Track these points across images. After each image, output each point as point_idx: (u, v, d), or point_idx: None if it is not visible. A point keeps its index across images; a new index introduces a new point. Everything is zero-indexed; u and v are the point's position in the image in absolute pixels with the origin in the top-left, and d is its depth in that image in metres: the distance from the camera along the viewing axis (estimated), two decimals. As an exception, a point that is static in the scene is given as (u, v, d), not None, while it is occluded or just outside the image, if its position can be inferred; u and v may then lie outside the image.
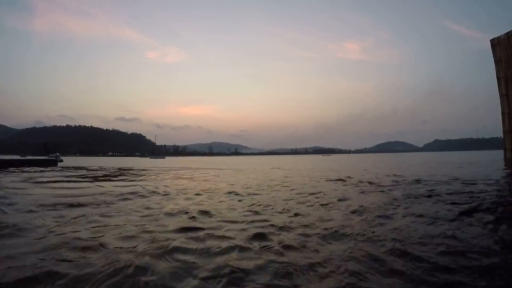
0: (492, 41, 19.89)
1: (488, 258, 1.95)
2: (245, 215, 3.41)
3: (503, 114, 19.51)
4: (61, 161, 24.50)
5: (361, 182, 7.18)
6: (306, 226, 2.87)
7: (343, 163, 23.40)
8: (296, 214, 3.40)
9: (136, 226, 2.88)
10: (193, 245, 2.27)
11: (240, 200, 4.58)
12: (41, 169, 14.66)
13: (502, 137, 20.13)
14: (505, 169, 11.42)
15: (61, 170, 14.48)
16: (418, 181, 6.94)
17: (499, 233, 2.56)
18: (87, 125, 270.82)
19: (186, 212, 3.54)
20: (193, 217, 3.28)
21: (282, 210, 3.71)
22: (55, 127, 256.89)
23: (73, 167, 17.50)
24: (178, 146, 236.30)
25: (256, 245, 2.27)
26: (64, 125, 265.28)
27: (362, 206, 3.83)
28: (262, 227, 2.83)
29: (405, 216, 3.26)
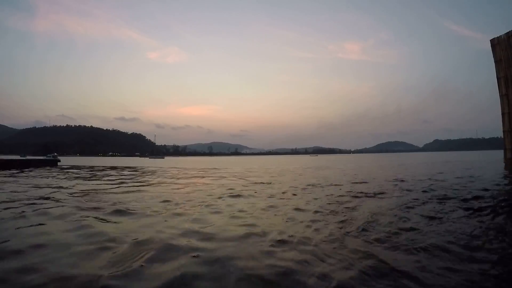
0: (492, 41, 19.85)
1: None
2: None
3: (503, 114, 19.47)
4: (59, 161, 23.72)
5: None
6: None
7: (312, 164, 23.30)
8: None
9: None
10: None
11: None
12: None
13: (502, 137, 20.09)
14: (506, 169, 11.40)
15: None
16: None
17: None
18: (87, 125, 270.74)
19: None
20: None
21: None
22: (55, 127, 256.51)
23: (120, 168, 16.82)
24: (178, 146, 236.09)
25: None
26: (64, 125, 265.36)
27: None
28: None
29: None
